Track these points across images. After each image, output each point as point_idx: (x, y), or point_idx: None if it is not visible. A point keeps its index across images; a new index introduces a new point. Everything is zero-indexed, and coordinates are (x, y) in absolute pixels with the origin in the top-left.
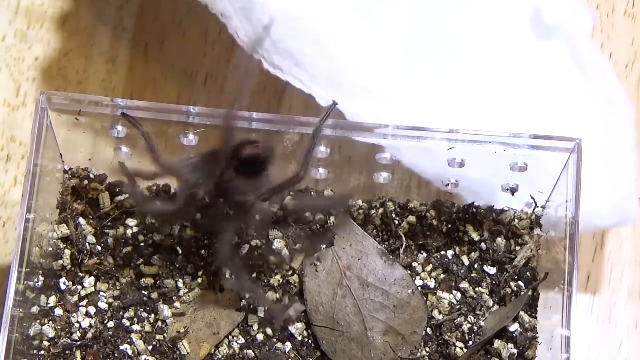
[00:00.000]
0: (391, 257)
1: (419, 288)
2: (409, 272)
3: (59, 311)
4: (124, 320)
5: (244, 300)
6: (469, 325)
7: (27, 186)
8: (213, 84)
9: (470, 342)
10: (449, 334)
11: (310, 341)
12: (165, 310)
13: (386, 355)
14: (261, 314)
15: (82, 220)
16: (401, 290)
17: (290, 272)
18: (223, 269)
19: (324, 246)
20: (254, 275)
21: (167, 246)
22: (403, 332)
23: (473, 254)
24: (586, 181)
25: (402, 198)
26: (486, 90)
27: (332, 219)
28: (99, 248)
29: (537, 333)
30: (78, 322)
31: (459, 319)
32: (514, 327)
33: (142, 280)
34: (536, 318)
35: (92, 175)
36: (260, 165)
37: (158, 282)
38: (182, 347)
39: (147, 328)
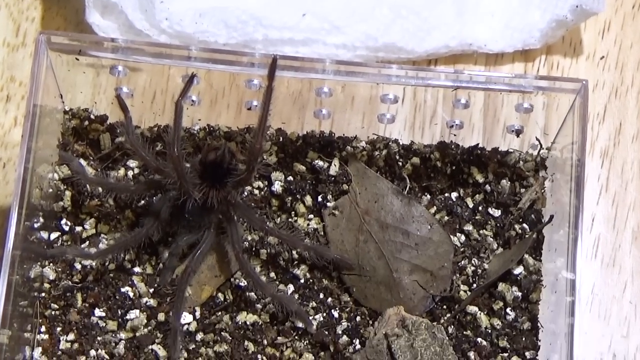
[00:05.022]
0: (408, 195)
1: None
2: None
3: None
4: (125, 263)
5: (246, 243)
6: (472, 268)
7: (27, 127)
8: None
9: (474, 285)
10: (453, 276)
11: (313, 283)
12: (166, 253)
13: (416, 294)
14: (263, 257)
15: (82, 161)
16: (420, 227)
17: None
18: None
19: None
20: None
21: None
22: (430, 269)
23: (477, 196)
24: None
25: (406, 139)
26: None
27: (335, 166)
28: (100, 189)
29: (542, 276)
30: (79, 263)
31: (462, 262)
32: (518, 270)
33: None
34: (540, 261)
35: (92, 116)
36: (224, 166)
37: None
38: None
39: (149, 270)
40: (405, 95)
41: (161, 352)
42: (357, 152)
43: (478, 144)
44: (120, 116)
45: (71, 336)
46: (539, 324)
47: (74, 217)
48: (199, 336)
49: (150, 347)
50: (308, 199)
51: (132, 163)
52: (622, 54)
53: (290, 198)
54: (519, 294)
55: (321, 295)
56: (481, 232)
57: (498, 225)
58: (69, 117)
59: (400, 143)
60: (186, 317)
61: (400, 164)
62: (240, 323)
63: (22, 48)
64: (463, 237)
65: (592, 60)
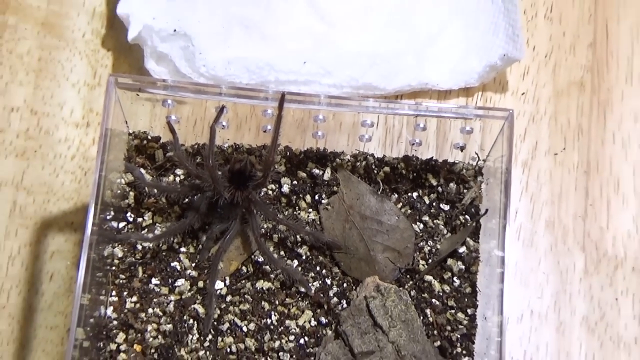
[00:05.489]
0: (381, 194)
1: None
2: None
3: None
4: (174, 244)
5: (262, 230)
6: (428, 248)
7: (101, 145)
8: None
9: (430, 260)
10: (414, 254)
11: (312, 259)
12: (204, 237)
13: (387, 267)
14: (275, 240)
15: (142, 170)
16: (390, 218)
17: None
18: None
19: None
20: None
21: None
22: (398, 249)
23: (432, 195)
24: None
25: (379, 153)
26: None
27: (328, 173)
28: (155, 191)
29: (479, 254)
30: (140, 245)
31: (421, 243)
32: (462, 249)
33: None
34: (478, 242)
35: (149, 137)
36: (246, 174)
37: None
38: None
39: (191, 250)
40: (379, 121)
41: (200, 310)
42: (344, 163)
43: (432, 157)
44: (170, 137)
45: (134, 298)
46: (477, 289)
47: (136, 211)
48: (228, 298)
49: (192, 306)
50: (308, 198)
51: (179, 171)
52: (538, 91)
53: (294, 197)
54: (463, 266)
55: (318, 268)
56: (435, 221)
57: (447, 216)
58: (132, 138)
59: (375, 156)
60: (219, 284)
61: (375, 171)
62: (258, 288)
63: (98, 87)
64: (421, 225)
65: (516, 96)
